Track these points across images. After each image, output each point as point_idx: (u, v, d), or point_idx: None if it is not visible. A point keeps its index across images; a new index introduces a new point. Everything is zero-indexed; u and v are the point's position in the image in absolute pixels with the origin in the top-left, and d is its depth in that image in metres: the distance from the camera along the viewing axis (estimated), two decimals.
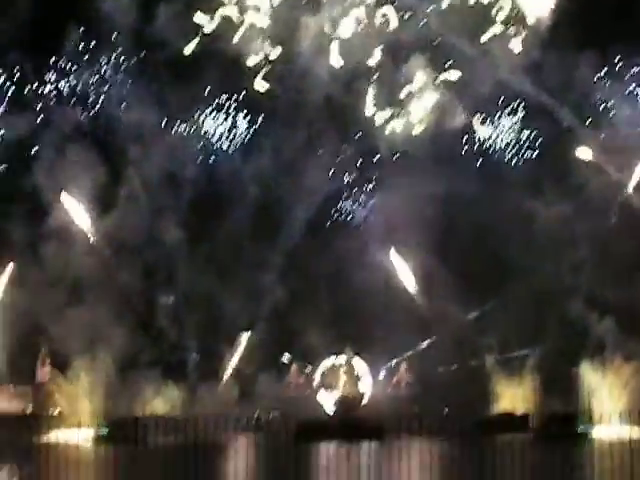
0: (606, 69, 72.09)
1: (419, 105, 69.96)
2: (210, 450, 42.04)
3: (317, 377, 74.84)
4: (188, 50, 68.89)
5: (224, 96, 73.83)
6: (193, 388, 69.59)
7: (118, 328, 66.69)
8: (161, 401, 66.41)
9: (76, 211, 71.12)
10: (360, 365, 75.36)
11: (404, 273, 74.70)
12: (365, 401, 74.37)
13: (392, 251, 74.11)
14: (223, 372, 72.85)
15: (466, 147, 74.70)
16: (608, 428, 59.73)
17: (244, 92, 72.49)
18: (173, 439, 53.66)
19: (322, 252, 73.29)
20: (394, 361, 75.43)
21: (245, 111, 74.85)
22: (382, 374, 76.36)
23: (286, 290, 73.17)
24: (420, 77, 69.05)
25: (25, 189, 70.93)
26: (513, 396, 68.85)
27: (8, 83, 72.58)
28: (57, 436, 53.81)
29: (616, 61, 72.24)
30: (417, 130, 70.30)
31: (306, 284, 73.85)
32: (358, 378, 75.14)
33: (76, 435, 54.78)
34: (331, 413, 72.98)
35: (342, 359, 74.85)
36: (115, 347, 65.38)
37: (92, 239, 71.39)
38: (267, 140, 73.68)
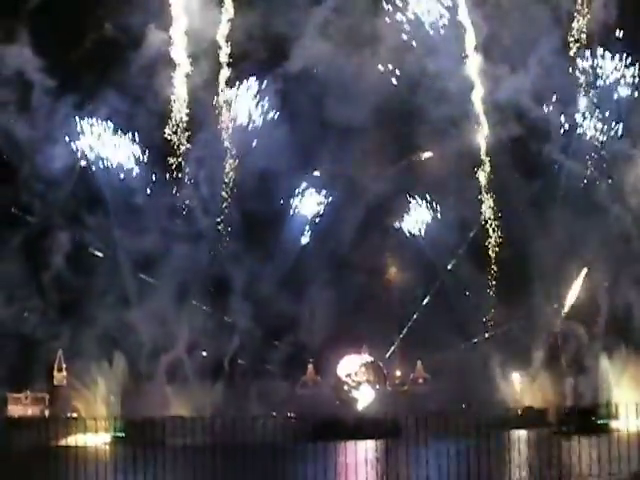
0: None
1: None
2: (228, 451, 41.97)
3: (345, 374, 74.57)
4: None
5: None
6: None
7: None
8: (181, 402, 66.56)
9: None
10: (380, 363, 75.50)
11: None
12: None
13: None
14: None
15: None
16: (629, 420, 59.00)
17: None
18: (191, 440, 53.29)
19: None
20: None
21: None
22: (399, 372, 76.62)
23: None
24: None
25: None
26: (531, 391, 68.61)
27: None
28: (75, 439, 53.72)
29: None
30: None
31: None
32: (385, 375, 75.21)
33: (94, 438, 54.91)
34: (362, 409, 72.78)
35: (366, 358, 74.80)
36: None
37: None
38: None
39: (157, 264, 71.46)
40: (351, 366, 75.14)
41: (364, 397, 74.35)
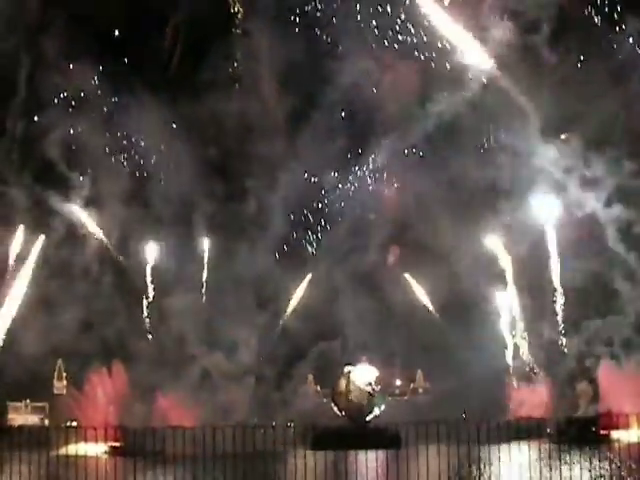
0: None
1: None
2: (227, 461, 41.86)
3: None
4: None
5: None
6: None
7: None
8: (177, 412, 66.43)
9: None
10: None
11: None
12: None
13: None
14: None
15: None
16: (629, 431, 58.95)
17: None
18: (191, 450, 53.04)
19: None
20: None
21: None
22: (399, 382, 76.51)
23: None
24: None
25: None
26: (529, 401, 68.42)
27: None
28: (75, 448, 53.55)
29: None
30: None
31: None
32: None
33: (93, 447, 54.80)
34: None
35: (369, 367, 74.54)
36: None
37: None
38: None
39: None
40: (367, 375, 74.81)
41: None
